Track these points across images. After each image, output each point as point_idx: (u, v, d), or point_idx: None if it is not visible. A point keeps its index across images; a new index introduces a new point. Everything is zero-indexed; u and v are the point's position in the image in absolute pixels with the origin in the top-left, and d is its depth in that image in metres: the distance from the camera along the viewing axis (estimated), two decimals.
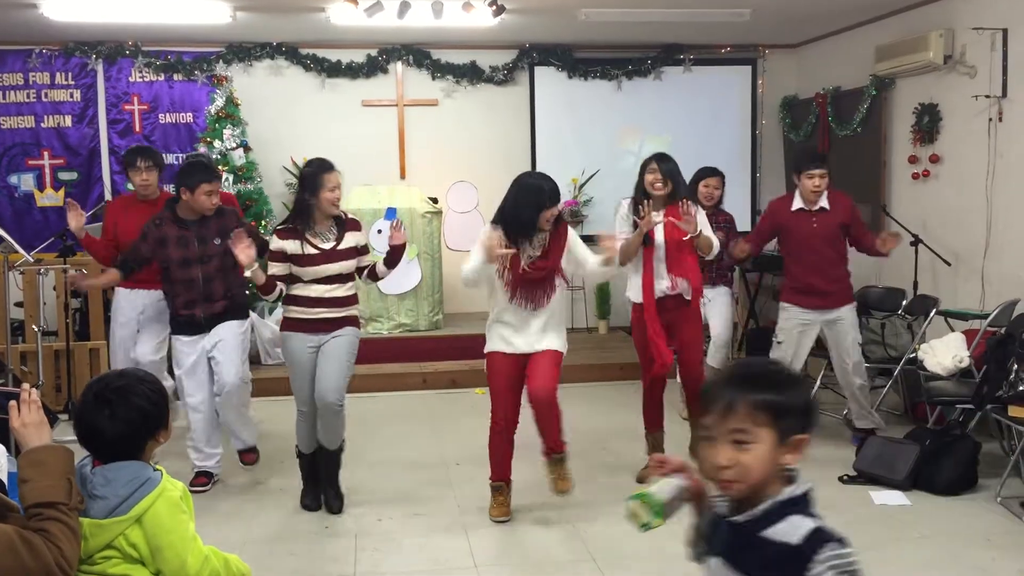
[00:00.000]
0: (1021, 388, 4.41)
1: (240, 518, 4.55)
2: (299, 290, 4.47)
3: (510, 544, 4.21)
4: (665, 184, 4.76)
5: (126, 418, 2.16)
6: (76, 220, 5.15)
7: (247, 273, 4.42)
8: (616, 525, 4.33)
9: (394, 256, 4.59)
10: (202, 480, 4.94)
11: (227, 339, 4.84)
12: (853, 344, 5.34)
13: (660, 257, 4.79)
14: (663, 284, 4.80)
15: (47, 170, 8.19)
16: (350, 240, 4.50)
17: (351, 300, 4.56)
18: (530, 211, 4.20)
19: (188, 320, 4.79)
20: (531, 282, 4.23)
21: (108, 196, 8.02)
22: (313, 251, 4.42)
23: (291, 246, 4.40)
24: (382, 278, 4.69)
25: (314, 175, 4.42)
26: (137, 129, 8.20)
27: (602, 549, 4.10)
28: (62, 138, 8.18)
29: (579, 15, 7.20)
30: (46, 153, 8.17)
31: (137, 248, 4.80)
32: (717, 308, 6.12)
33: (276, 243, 4.43)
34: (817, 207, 5.25)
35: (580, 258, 4.41)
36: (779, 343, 5.34)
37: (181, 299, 4.77)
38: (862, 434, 5.32)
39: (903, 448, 4.85)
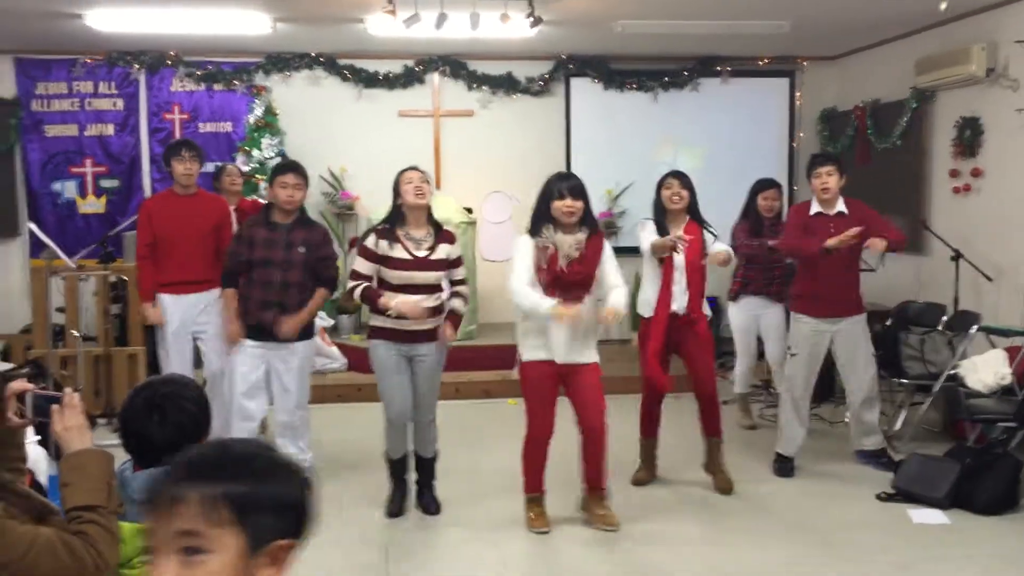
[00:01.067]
0: None
1: None
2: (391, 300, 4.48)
3: (541, 555, 4.20)
4: (682, 198, 4.83)
5: (177, 423, 2.19)
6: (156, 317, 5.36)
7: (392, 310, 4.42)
8: (645, 537, 4.31)
9: (455, 321, 4.65)
10: None
11: (297, 358, 4.88)
12: (866, 355, 5.23)
13: (680, 275, 4.83)
14: (680, 302, 4.84)
15: (89, 178, 8.32)
16: (442, 252, 4.56)
17: (439, 310, 4.60)
18: (543, 202, 4.30)
19: (258, 324, 4.79)
20: (567, 284, 4.24)
21: None
22: (405, 255, 4.48)
23: (384, 246, 4.47)
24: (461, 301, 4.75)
25: (396, 179, 4.58)
26: (177, 137, 8.30)
27: (629, 558, 4.08)
28: (104, 146, 8.30)
29: (615, 27, 7.19)
30: (88, 161, 8.29)
31: (235, 252, 4.84)
32: (774, 327, 6.04)
33: (371, 240, 4.51)
34: (835, 211, 5.14)
35: (604, 274, 4.40)
36: (793, 355, 5.25)
37: (256, 299, 4.77)
38: (878, 456, 5.26)
39: (943, 466, 4.77)
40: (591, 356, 4.38)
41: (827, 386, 6.84)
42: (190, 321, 5.36)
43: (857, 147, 8.23)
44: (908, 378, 5.81)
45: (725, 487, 4.98)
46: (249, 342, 4.83)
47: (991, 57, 6.46)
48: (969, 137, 6.80)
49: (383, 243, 4.47)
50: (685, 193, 4.85)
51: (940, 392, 5.79)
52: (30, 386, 2.09)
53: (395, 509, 4.68)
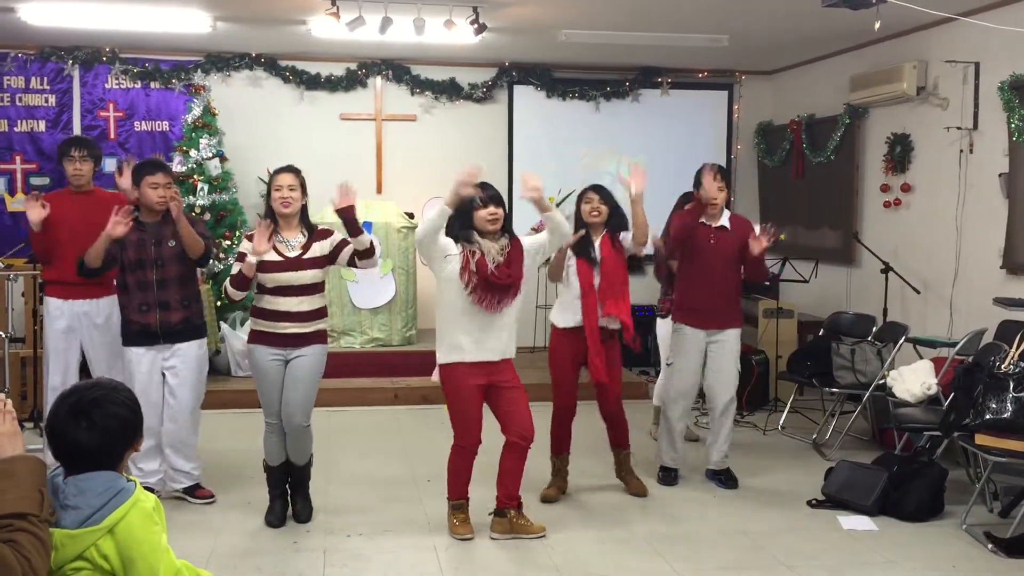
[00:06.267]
0: (988, 416, 4.46)
1: (206, 532, 4.49)
2: (267, 303, 4.42)
3: (480, 560, 4.20)
4: (600, 212, 4.86)
5: (106, 428, 2.14)
6: (36, 214, 4.94)
7: (251, 259, 4.28)
8: (585, 543, 4.34)
9: (349, 223, 4.40)
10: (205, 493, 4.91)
11: (187, 361, 4.76)
12: (732, 371, 5.19)
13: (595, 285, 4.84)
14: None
15: (19, 175, 8.09)
16: (316, 250, 4.47)
17: (320, 313, 4.51)
18: (462, 213, 4.24)
19: (143, 329, 4.66)
20: (496, 287, 4.24)
21: None
22: (277, 257, 4.39)
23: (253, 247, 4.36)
24: (365, 249, 4.44)
25: (269, 180, 4.48)
26: (112, 136, 8.14)
27: (570, 564, 4.10)
28: (35, 143, 8.09)
29: (559, 35, 7.25)
30: (18, 157, 8.07)
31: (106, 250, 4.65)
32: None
33: (244, 245, 4.41)
34: (718, 224, 5.14)
35: (534, 243, 4.42)
36: (669, 364, 5.30)
37: (135, 303, 4.64)
38: (722, 476, 5.25)
39: (871, 474, 4.89)
40: (513, 350, 4.39)
41: (762, 394, 6.98)
42: (78, 329, 5.12)
43: (792, 160, 8.41)
44: (839, 387, 5.93)
45: (640, 491, 5.03)
46: (137, 349, 4.70)
47: (922, 76, 6.66)
48: (899, 153, 6.99)
49: (251, 245, 4.35)
50: (604, 208, 4.87)
51: (869, 401, 5.95)
52: None
53: (275, 519, 4.57)
